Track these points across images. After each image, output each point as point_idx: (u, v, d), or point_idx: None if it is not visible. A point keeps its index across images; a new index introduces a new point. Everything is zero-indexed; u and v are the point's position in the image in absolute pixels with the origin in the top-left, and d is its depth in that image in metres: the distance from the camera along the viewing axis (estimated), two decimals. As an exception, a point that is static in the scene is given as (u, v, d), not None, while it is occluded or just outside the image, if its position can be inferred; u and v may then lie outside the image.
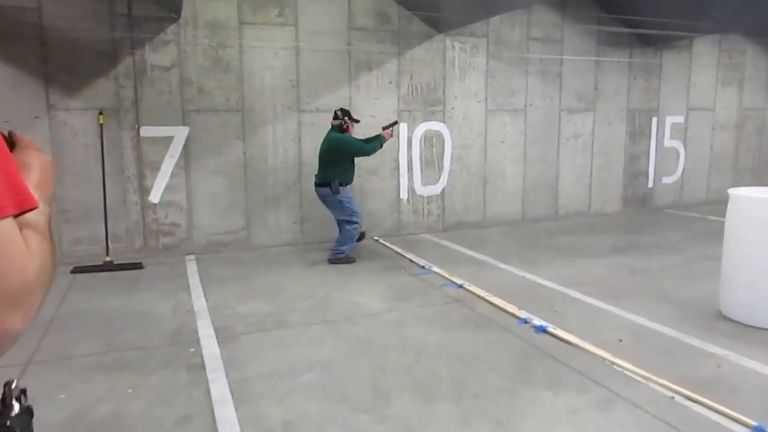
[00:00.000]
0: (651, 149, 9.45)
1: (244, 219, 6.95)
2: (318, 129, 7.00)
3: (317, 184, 6.35)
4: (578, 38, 8.48)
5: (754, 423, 2.85)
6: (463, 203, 8.15)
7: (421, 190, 7.85)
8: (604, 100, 8.89)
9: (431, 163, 7.86)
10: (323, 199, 6.34)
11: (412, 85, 7.56)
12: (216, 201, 6.78)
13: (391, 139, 6.53)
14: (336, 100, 7.14)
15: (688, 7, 7.95)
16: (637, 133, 9.28)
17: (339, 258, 6.25)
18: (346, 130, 6.29)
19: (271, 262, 6.41)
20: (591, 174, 9.00)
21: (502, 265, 6.11)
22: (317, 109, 7.08)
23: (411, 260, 6.38)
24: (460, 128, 7.95)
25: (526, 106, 8.33)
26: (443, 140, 7.89)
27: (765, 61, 10.29)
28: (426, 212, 7.94)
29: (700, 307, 4.69)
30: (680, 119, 9.63)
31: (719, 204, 10.54)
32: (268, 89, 6.84)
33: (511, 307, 4.64)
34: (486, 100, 8.06)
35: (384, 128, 6.51)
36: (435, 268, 5.94)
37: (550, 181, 8.70)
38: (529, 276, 5.69)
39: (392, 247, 7.03)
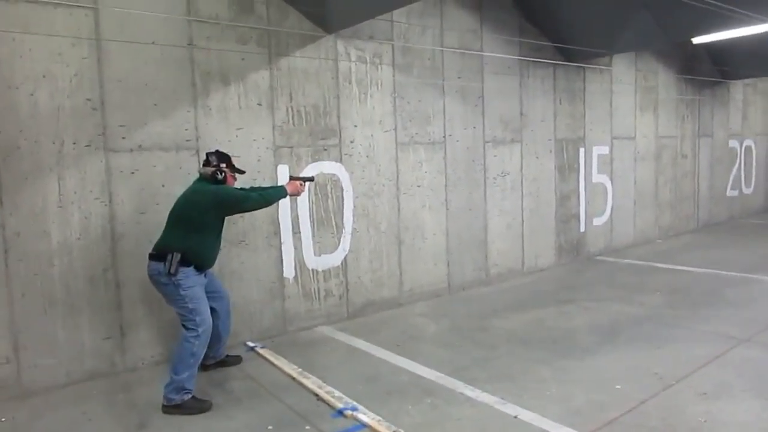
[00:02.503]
0: (580, 186, 7.88)
1: (9, 343, 3.86)
2: (144, 178, 4.24)
3: (150, 256, 3.66)
4: (500, 50, 6.63)
5: None
6: (373, 275, 5.74)
7: (313, 262, 5.30)
8: (530, 128, 7.13)
9: (326, 221, 5.37)
10: (154, 281, 3.64)
11: (292, 109, 5.07)
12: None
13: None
14: (173, 130, 4.41)
15: (604, 19, 6.66)
16: (566, 167, 7.66)
17: (178, 404, 3.49)
18: (225, 182, 3.82)
19: (53, 428, 3.42)
20: (522, 221, 7.13)
21: (468, 392, 3.75)
22: (140, 146, 4.28)
23: (316, 394, 3.78)
24: (363, 169, 5.59)
25: (445, 137, 6.23)
26: (341, 187, 5.45)
27: (674, 83, 9.41)
28: (323, 294, 5.39)
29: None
30: (606, 150, 8.24)
31: (646, 245, 9.93)
32: (45, 113, 3.91)
33: None
34: (395, 129, 5.81)
35: (293, 178, 4.12)
36: (363, 415, 3.41)
37: (477, 233, 6.64)
38: (523, 414, 3.39)
39: (278, 362, 4.36)
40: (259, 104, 4.85)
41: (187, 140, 4.49)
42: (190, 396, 3.54)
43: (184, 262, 3.52)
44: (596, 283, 6.63)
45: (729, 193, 11.08)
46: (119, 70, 4.17)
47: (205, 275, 3.76)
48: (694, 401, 3.50)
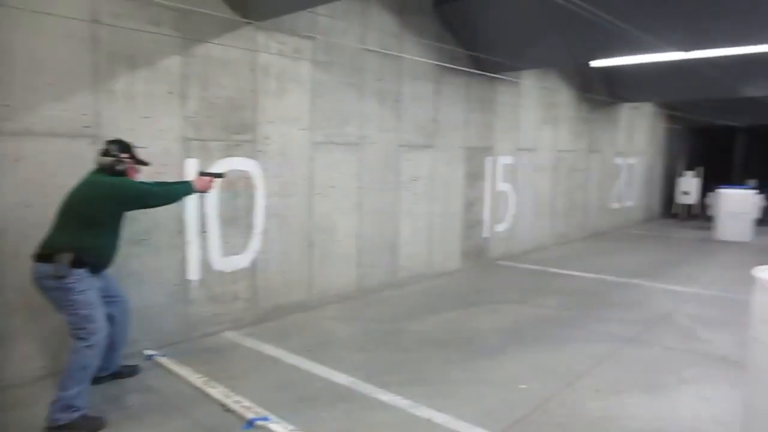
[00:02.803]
0: (485, 194, 8.19)
1: None
2: (30, 166, 3.81)
3: (35, 257, 3.25)
4: (418, 55, 6.73)
5: None
6: (283, 277, 5.57)
7: (220, 263, 5.04)
8: (443, 135, 7.30)
9: (236, 221, 5.13)
10: (40, 285, 3.24)
11: (206, 100, 4.79)
12: None
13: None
14: (70, 114, 3.99)
15: (515, 35, 7.03)
16: (474, 174, 7.93)
17: (65, 425, 3.14)
18: (125, 174, 3.48)
19: None
20: (431, 226, 7.27)
21: (382, 396, 3.73)
22: (28, 130, 3.83)
23: (223, 405, 3.57)
24: (277, 168, 5.41)
25: (361, 138, 6.20)
26: (253, 186, 5.24)
27: (573, 101, 10.09)
28: (230, 297, 5.14)
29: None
30: (510, 160, 8.63)
31: (542, 251, 10.52)
32: None
33: None
34: (312, 128, 5.69)
35: (202, 174, 3.87)
36: (275, 425, 3.27)
37: (388, 237, 6.68)
38: (436, 417, 3.43)
39: (181, 372, 4.08)
40: (170, 93, 4.53)
41: (86, 127, 4.09)
42: (79, 414, 3.19)
43: (77, 264, 3.17)
44: (499, 287, 6.91)
45: (613, 205, 12.06)
46: (5, 40, 3.70)
47: (101, 277, 3.42)
48: (592, 397, 3.73)
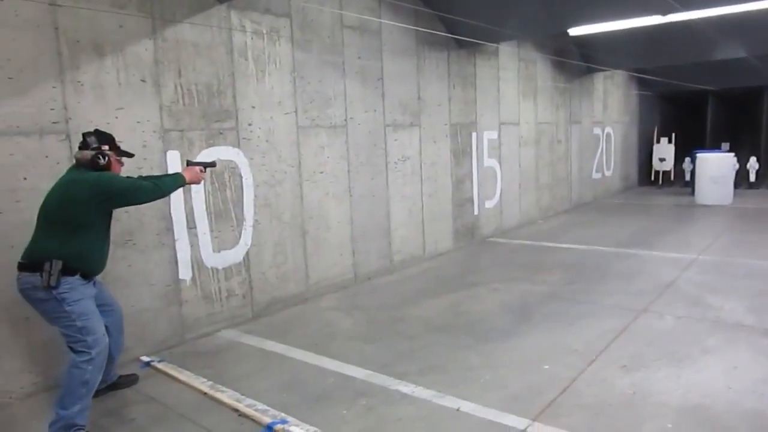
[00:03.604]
0: (473, 170, 8.02)
1: None
2: (-4, 169, 3.45)
3: (19, 267, 2.93)
4: (397, 31, 6.45)
5: None
6: (278, 270, 5.30)
7: (212, 259, 4.75)
8: (428, 113, 7.07)
9: (225, 213, 4.83)
10: (28, 296, 2.92)
11: (182, 87, 4.44)
12: None
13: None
14: (35, 110, 3.63)
15: (492, 5, 6.79)
16: (461, 152, 7.74)
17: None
18: (108, 168, 3.11)
19: None
20: (422, 207, 7.07)
21: (402, 388, 3.53)
22: (-9, 128, 3.46)
23: (236, 410, 3.32)
24: (263, 155, 5.11)
25: (346, 120, 5.92)
26: (240, 175, 4.94)
27: (550, 73, 9.95)
28: (224, 294, 4.85)
29: None
30: (495, 135, 8.47)
31: (530, 226, 10.40)
32: None
33: None
34: (296, 111, 5.38)
35: (191, 163, 3.55)
36: (296, 428, 3.05)
37: (381, 222, 6.45)
38: (464, 406, 3.25)
39: (183, 377, 3.81)
40: (143, 81, 4.18)
41: (54, 122, 3.72)
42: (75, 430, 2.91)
43: (67, 271, 2.86)
44: (496, 265, 6.77)
45: (594, 175, 12.06)
46: (-43, 32, 3.31)
47: (94, 284, 3.11)
48: (619, 374, 3.60)
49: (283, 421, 3.13)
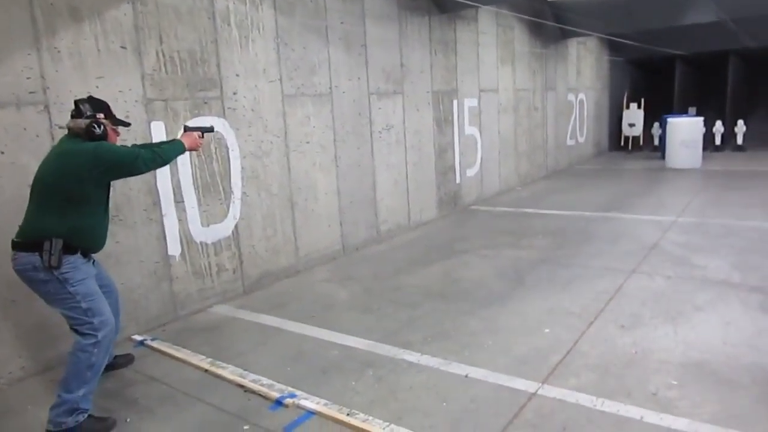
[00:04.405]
0: (455, 138, 7.98)
1: None
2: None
3: (15, 246, 2.75)
4: (379, -4, 6.28)
5: None
6: (268, 243, 5.20)
7: (201, 234, 4.61)
8: (410, 80, 6.95)
9: (212, 186, 4.67)
10: (27, 277, 2.75)
11: (164, 54, 4.23)
12: None
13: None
14: (10, 80, 3.40)
15: None
16: (443, 120, 7.68)
17: (71, 428, 2.75)
18: (104, 137, 2.89)
19: None
20: (407, 176, 7.01)
21: (408, 356, 3.53)
22: (-37, 99, 3.22)
23: (241, 386, 3.27)
24: (249, 125, 4.94)
25: (331, 88, 5.77)
26: (226, 147, 4.77)
27: (527, 38, 9.90)
28: (215, 269, 4.74)
29: None
30: (475, 102, 8.41)
31: (510, 193, 10.46)
32: None
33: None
34: (281, 80, 5.21)
35: (188, 128, 3.38)
36: (306, 401, 3.02)
37: (367, 191, 6.38)
38: (473, 372, 3.27)
39: (181, 355, 3.72)
40: (123, 47, 3.95)
41: (31, 92, 3.49)
42: (86, 416, 2.80)
43: (68, 249, 2.70)
44: (482, 232, 6.80)
45: (568, 142, 12.18)
46: None
47: (93, 263, 2.96)
48: (618, 334, 3.68)
49: (292, 395, 3.10)
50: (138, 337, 4.01)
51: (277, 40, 5.11)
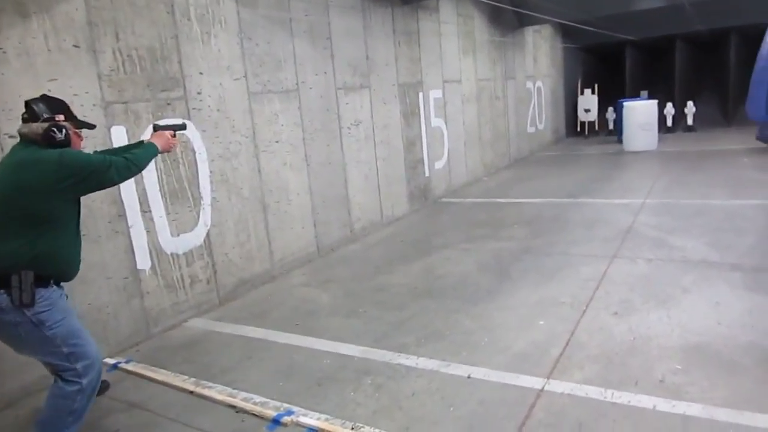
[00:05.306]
0: (422, 131, 7.86)
1: None
2: None
3: None
4: (341, -13, 6.07)
5: None
6: (241, 249, 4.94)
7: (171, 244, 4.32)
8: (377, 73, 6.78)
9: (180, 193, 4.39)
10: None
11: (121, 52, 3.91)
12: None
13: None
14: (-51, 85, 3.05)
15: None
16: (410, 112, 7.54)
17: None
18: (67, 143, 2.48)
19: None
20: (377, 171, 6.85)
21: (404, 361, 3.38)
22: None
23: (232, 406, 3.04)
24: (215, 126, 4.67)
25: (298, 84, 5.54)
26: (193, 150, 4.49)
27: (486, 28, 9.87)
28: (188, 281, 4.46)
29: None
30: (439, 93, 8.32)
31: (477, 184, 10.43)
32: None
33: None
34: (246, 76, 4.94)
35: (158, 127, 3.00)
36: (305, 418, 2.83)
37: (339, 190, 6.19)
38: (474, 372, 3.15)
39: (160, 376, 3.45)
40: (76, 46, 3.62)
41: (-25, 98, 3.15)
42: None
43: (39, 280, 2.32)
44: (458, 225, 6.72)
45: (529, 129, 12.28)
46: None
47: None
48: (613, 322, 3.64)
49: (289, 412, 2.90)
50: (110, 360, 3.71)
51: (240, 34, 4.85)
